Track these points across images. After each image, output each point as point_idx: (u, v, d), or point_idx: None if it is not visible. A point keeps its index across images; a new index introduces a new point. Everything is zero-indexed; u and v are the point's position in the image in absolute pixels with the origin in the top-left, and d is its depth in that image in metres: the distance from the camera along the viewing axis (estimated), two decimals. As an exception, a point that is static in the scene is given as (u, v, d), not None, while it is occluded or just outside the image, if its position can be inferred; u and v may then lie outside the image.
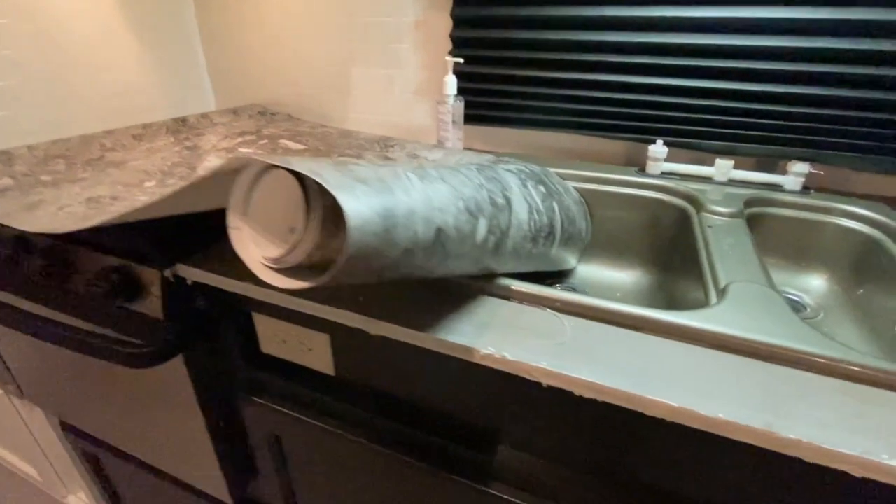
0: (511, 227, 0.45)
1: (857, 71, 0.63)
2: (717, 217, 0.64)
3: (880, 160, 0.68)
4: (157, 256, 0.52)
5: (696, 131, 0.75)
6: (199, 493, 0.80)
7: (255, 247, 0.35)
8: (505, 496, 0.49)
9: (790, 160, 0.71)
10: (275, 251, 0.34)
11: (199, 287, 0.54)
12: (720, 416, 0.33)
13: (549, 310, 0.46)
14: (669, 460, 0.42)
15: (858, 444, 0.31)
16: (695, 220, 0.65)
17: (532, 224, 0.50)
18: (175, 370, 0.59)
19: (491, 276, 0.48)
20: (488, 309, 0.46)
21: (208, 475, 0.70)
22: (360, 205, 0.29)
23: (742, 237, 0.59)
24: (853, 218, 0.66)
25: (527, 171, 0.59)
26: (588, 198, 0.78)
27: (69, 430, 0.94)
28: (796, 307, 0.67)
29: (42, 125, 0.85)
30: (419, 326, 0.43)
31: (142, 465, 0.85)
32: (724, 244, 0.57)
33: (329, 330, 0.53)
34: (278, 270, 0.34)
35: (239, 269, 0.51)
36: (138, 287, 0.54)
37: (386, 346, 0.52)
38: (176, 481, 0.82)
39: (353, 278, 0.32)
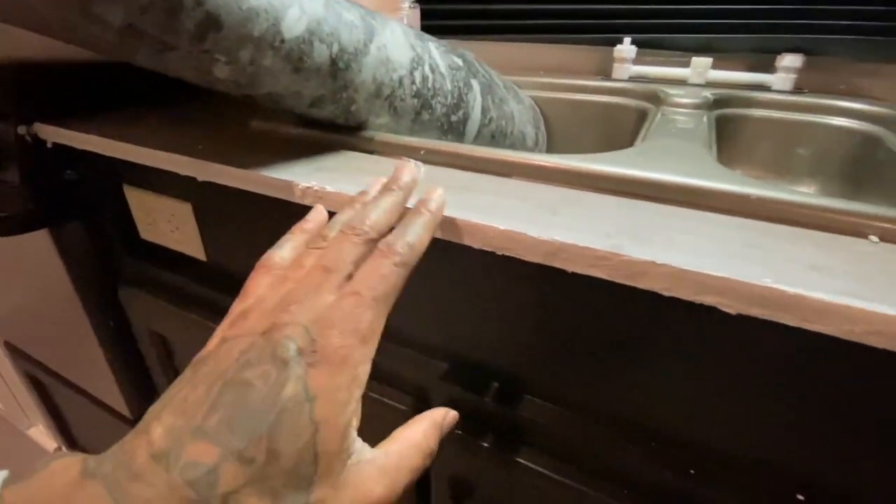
0: (367, 56, 0.37)
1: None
2: (677, 109, 0.54)
3: (884, 44, 0.55)
4: (10, 111, 0.47)
5: (667, 25, 0.64)
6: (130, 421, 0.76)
7: None
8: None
9: (779, 53, 0.59)
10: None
11: (65, 153, 0.49)
12: (556, 238, 0.25)
13: (411, 160, 0.37)
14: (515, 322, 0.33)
15: (736, 268, 0.22)
16: (651, 114, 0.55)
17: (420, 78, 0.42)
18: (47, 253, 0.54)
19: (358, 129, 0.41)
20: (342, 160, 0.38)
21: (108, 385, 0.65)
22: None
23: (698, 123, 0.48)
24: (850, 115, 0.53)
25: (439, 41, 0.50)
26: (541, 108, 0.68)
27: (9, 349, 0.92)
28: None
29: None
30: (244, 167, 0.36)
31: (73, 386, 0.82)
32: (670, 126, 0.47)
33: (190, 197, 0.47)
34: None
35: (105, 130, 0.46)
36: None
37: (248, 220, 0.45)
38: (103, 404, 0.78)
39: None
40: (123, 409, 0.67)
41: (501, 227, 0.26)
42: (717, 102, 0.56)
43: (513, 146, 0.59)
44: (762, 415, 0.28)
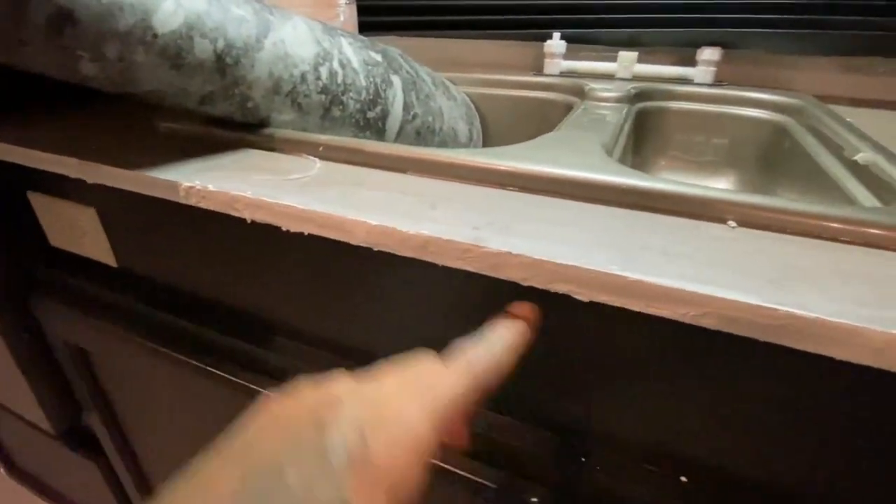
0: (261, 52, 0.36)
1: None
2: (600, 103, 0.54)
3: (799, 37, 0.57)
4: None
5: (594, 19, 0.65)
6: (54, 437, 0.72)
7: None
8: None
9: (699, 47, 0.60)
10: None
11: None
12: (423, 231, 0.24)
13: (309, 157, 0.37)
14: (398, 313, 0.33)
15: (590, 256, 0.22)
16: (575, 109, 0.55)
17: (327, 74, 0.41)
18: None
19: (261, 126, 0.40)
20: (238, 157, 0.37)
21: (28, 401, 0.62)
22: None
23: (614, 116, 0.49)
24: (761, 106, 0.55)
25: (356, 37, 0.49)
26: (476, 104, 0.68)
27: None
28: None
29: None
30: (136, 168, 0.34)
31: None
32: (583, 119, 0.48)
33: (94, 201, 0.45)
34: None
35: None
36: None
37: (155, 223, 0.43)
38: (26, 421, 0.75)
39: None
40: (46, 426, 0.64)
41: (374, 223, 0.25)
42: (639, 96, 0.58)
43: (443, 143, 0.59)
44: (653, 402, 0.28)
